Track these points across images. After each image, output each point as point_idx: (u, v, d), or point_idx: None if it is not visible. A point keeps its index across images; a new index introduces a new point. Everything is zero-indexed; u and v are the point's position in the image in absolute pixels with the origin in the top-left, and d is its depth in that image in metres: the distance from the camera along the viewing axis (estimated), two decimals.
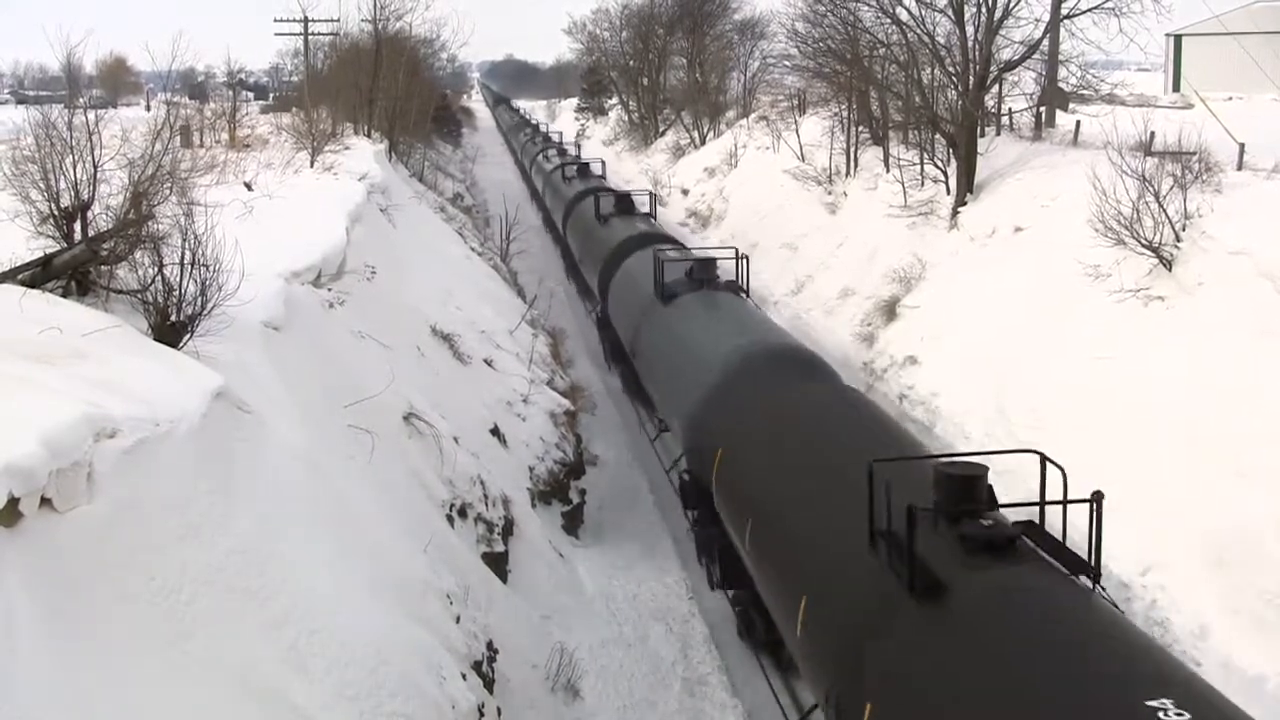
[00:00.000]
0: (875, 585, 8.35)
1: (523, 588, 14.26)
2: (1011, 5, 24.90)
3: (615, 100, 78.44)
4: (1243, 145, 19.89)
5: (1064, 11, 25.97)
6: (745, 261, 20.17)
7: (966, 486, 8.51)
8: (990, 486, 8.74)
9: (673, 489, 17.81)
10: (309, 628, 7.87)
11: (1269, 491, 12.82)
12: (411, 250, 24.15)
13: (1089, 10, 25.45)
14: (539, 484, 17.63)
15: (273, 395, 10.29)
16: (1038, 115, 28.16)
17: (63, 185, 10.82)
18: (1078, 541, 8.35)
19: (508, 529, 14.93)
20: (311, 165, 26.65)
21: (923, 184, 26.82)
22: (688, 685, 13.78)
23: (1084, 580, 7.96)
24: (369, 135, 37.76)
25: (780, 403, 13.13)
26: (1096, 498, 8.14)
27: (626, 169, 58.35)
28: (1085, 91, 26.82)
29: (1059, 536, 8.55)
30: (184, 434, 7.93)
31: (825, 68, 32.90)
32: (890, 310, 23.44)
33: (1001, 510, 8.80)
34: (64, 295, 10.38)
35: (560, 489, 18.27)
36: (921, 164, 27.09)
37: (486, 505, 14.47)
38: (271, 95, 71.46)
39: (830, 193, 32.45)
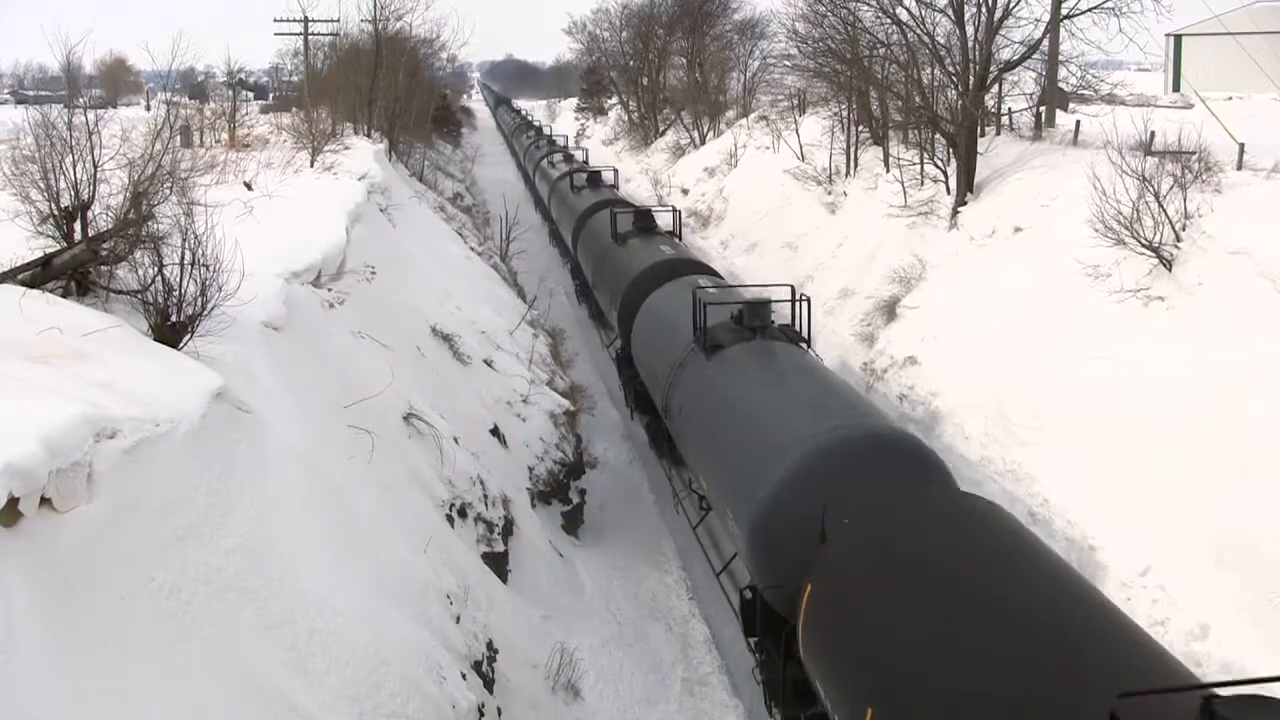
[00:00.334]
0: None
1: (523, 588, 14.26)
2: (1011, 5, 24.90)
3: (615, 100, 78.42)
4: (1242, 145, 19.88)
5: (1064, 11, 25.95)
6: (806, 304, 16.15)
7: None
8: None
9: (730, 606, 14.06)
10: (309, 628, 7.87)
11: (1269, 491, 12.81)
12: (411, 250, 24.14)
13: (1089, 10, 25.45)
14: (539, 484, 17.64)
15: (273, 395, 10.29)
16: (1038, 115, 28.15)
17: (63, 185, 10.82)
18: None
19: (508, 529, 14.93)
20: (311, 165, 26.65)
21: (923, 184, 26.81)
22: (688, 685, 13.79)
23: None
24: (369, 135, 37.75)
25: (896, 522, 10.04)
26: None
27: (626, 169, 58.34)
28: (1085, 91, 26.80)
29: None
30: (184, 434, 7.94)
31: (825, 67, 32.87)
32: (890, 310, 23.44)
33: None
34: (64, 295, 10.38)
35: (560, 489, 18.27)
36: (921, 164, 27.08)
37: (486, 505, 14.47)
38: (271, 95, 71.44)
39: (830, 192, 32.44)
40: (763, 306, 15.83)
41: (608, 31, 78.28)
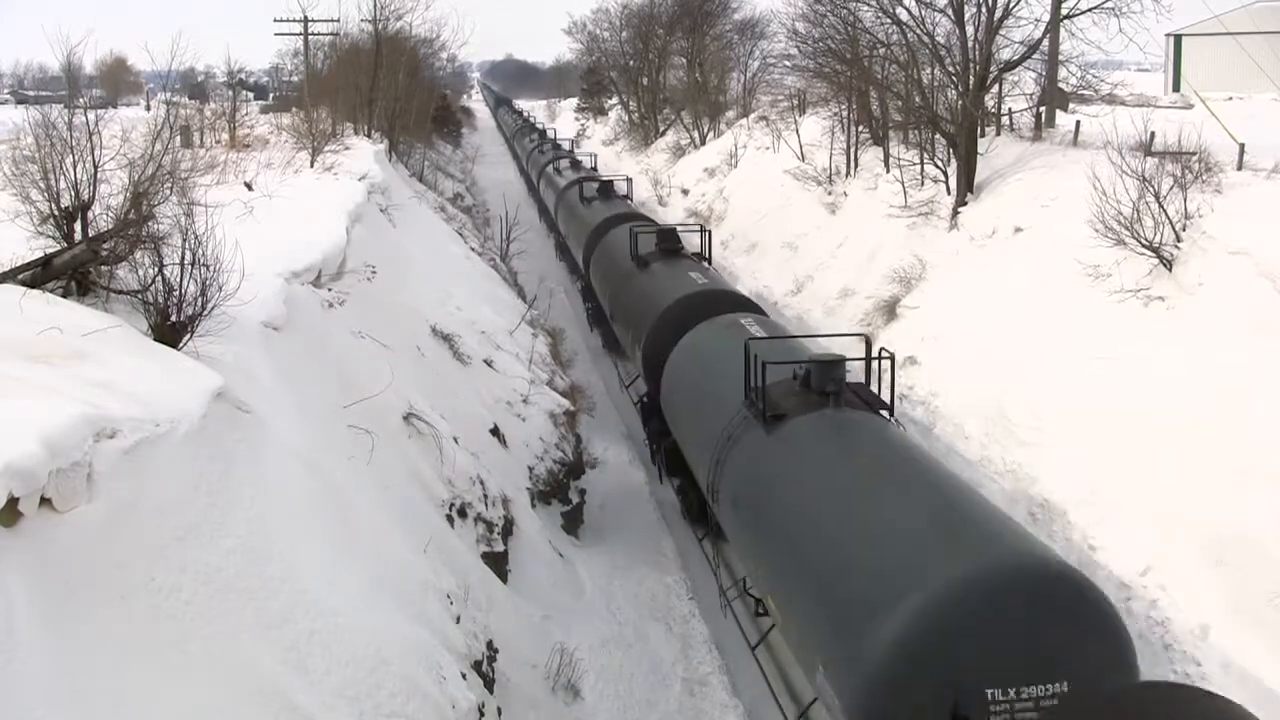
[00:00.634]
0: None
1: (523, 588, 14.27)
2: (1011, 5, 24.88)
3: (615, 100, 78.41)
4: (1243, 145, 19.87)
5: (1064, 11, 25.95)
6: (890, 361, 13.07)
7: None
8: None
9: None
10: (309, 627, 7.87)
11: (1269, 491, 12.81)
12: (411, 250, 24.15)
13: (1089, 10, 25.44)
14: (539, 484, 17.64)
15: (273, 395, 10.30)
16: (1038, 115, 28.14)
17: (63, 185, 10.83)
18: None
19: (507, 529, 14.93)
20: (311, 165, 26.66)
21: (923, 184, 26.80)
22: (688, 685, 13.79)
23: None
24: (369, 135, 37.76)
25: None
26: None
27: (627, 169, 58.35)
28: (1085, 91, 26.79)
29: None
30: (183, 434, 7.94)
31: (825, 68, 32.86)
32: (890, 310, 23.43)
33: None
34: (64, 295, 10.38)
35: (560, 489, 18.28)
36: (921, 164, 27.07)
37: (486, 505, 14.47)
38: (271, 95, 71.44)
39: (830, 193, 32.43)
40: (836, 366, 12.56)
41: (608, 31, 78.32)
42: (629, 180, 37.73)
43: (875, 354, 13.36)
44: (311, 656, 7.74)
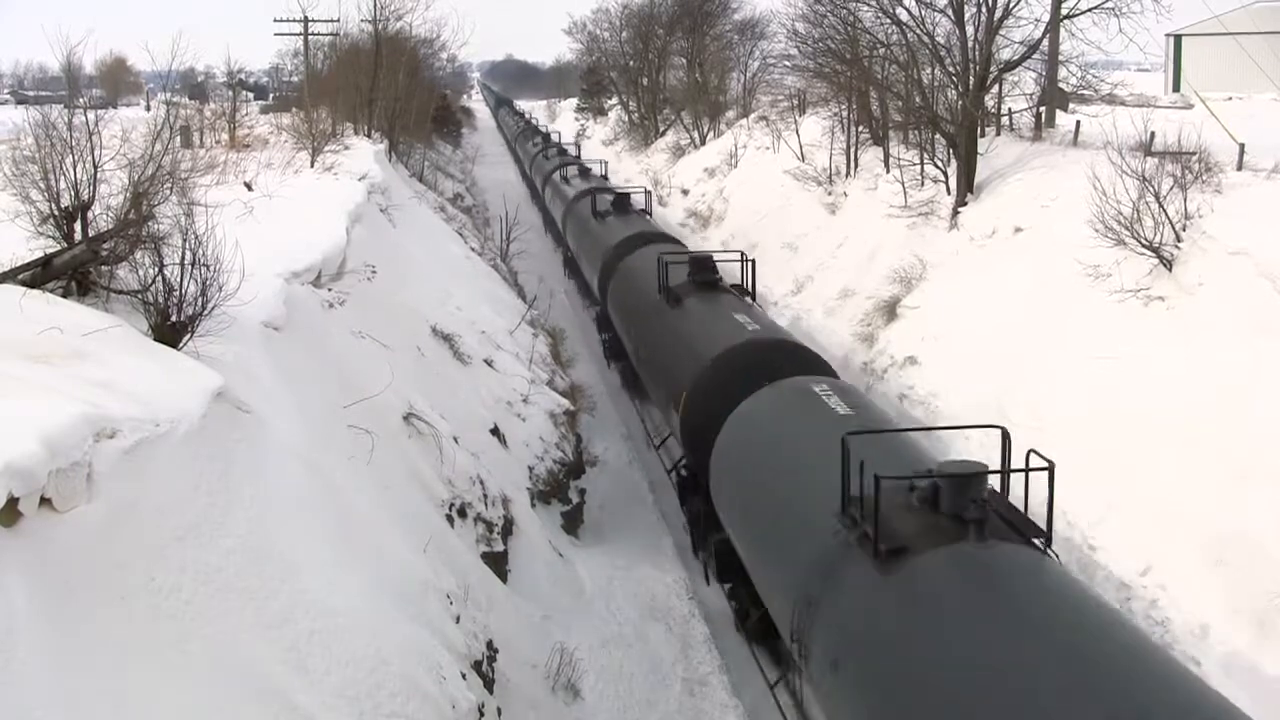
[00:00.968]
0: None
1: (523, 588, 14.26)
2: (1011, 5, 24.90)
3: (615, 100, 78.41)
4: (1243, 145, 19.88)
5: (1064, 11, 25.96)
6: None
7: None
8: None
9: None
10: (309, 627, 7.87)
11: (1269, 491, 12.81)
12: (411, 250, 24.15)
13: (1089, 10, 25.46)
14: (539, 484, 17.64)
15: (273, 395, 10.29)
16: (1038, 115, 28.15)
17: (63, 185, 10.83)
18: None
19: (507, 529, 14.93)
20: (311, 165, 26.66)
21: (923, 184, 26.80)
22: (688, 685, 13.78)
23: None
24: (369, 135, 37.76)
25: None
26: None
27: (626, 169, 58.37)
28: (1085, 91, 26.81)
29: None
30: (183, 434, 7.94)
31: (825, 68, 32.87)
32: (890, 310, 23.43)
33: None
34: (64, 295, 10.38)
35: (560, 489, 18.28)
36: (921, 164, 27.07)
37: (486, 505, 14.47)
38: (271, 95, 71.44)
39: (830, 193, 32.43)
40: (977, 482, 9.45)
41: (608, 32, 78.37)
42: (647, 192, 34.63)
43: (1025, 461, 9.82)
44: (311, 656, 7.74)
